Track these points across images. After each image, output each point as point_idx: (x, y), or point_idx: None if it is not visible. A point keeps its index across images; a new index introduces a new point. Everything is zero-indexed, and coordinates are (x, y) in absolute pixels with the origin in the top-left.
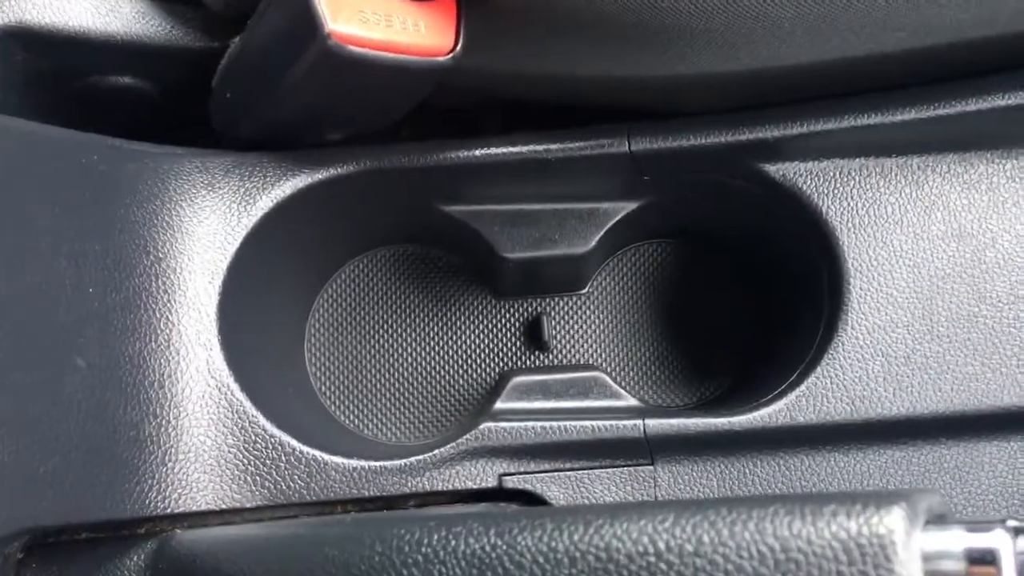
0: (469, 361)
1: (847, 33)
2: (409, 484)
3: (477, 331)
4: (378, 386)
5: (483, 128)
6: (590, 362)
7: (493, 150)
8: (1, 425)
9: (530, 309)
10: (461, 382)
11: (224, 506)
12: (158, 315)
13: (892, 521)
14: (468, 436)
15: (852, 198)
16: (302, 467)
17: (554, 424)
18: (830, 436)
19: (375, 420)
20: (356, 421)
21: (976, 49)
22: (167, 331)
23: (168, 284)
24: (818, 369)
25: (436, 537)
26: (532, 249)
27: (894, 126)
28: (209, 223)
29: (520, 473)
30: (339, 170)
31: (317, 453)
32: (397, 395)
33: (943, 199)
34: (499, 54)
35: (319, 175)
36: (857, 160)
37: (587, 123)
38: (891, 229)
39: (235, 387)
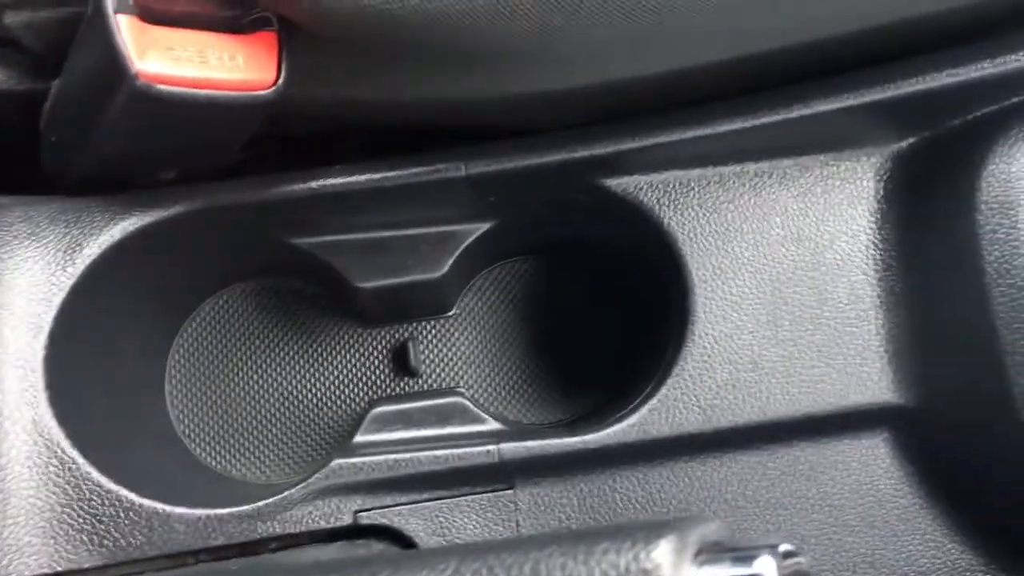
0: (338, 392)
1: (674, 47)
2: (259, 529)
3: (344, 362)
4: (246, 425)
5: (336, 157)
6: (461, 385)
7: (331, 180)
8: None
9: (397, 335)
10: (331, 414)
11: (60, 568)
12: None
13: (659, 555)
14: (319, 475)
15: (692, 208)
16: (142, 521)
17: (408, 456)
18: (685, 446)
19: (244, 460)
20: (224, 463)
21: (799, 55)
22: None
23: None
24: (669, 381)
25: None
26: (386, 277)
27: (728, 135)
28: (32, 274)
29: (377, 508)
30: (171, 211)
31: (158, 505)
32: (266, 433)
33: (781, 204)
34: (326, 83)
35: (149, 217)
36: (696, 170)
37: (432, 147)
38: (732, 237)
39: (66, 444)
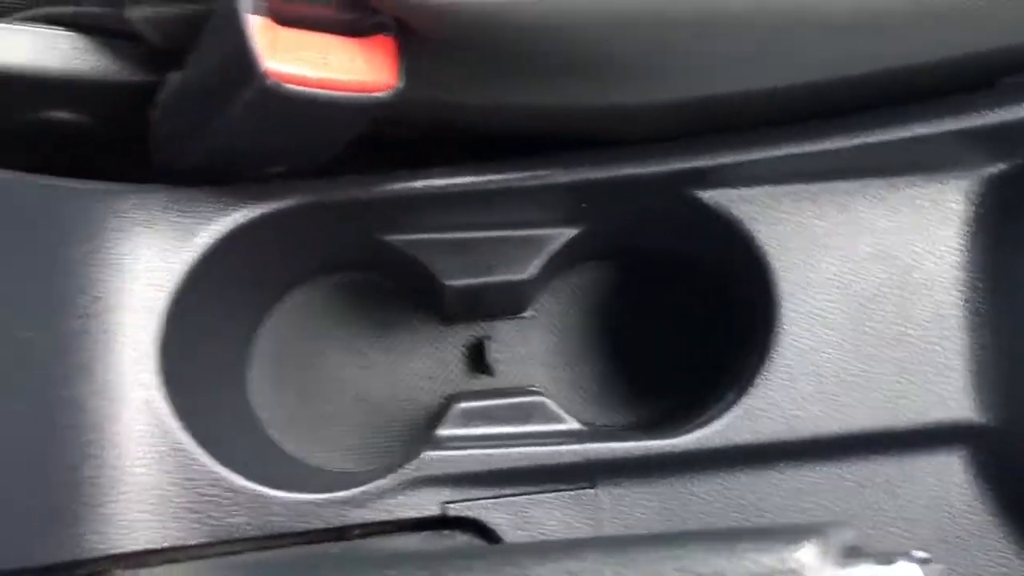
0: (414, 386)
1: (778, 65)
2: (352, 515)
3: (421, 356)
4: (324, 414)
5: (431, 158)
6: (535, 385)
7: (433, 182)
8: None
9: (474, 333)
10: (407, 407)
11: (166, 544)
12: (96, 356)
13: (804, 556)
14: (410, 466)
15: (783, 223)
16: (244, 502)
17: (496, 451)
18: (766, 455)
19: (322, 449)
20: (303, 450)
21: (899, 78)
22: (105, 372)
23: (106, 324)
24: (752, 390)
25: None
26: (473, 276)
27: (824, 153)
28: (148, 260)
29: (463, 501)
30: (279, 205)
31: (260, 488)
32: (344, 423)
33: (870, 222)
34: (439, 87)
35: (259, 210)
36: (788, 186)
37: (529, 152)
38: (821, 252)
39: (176, 425)
